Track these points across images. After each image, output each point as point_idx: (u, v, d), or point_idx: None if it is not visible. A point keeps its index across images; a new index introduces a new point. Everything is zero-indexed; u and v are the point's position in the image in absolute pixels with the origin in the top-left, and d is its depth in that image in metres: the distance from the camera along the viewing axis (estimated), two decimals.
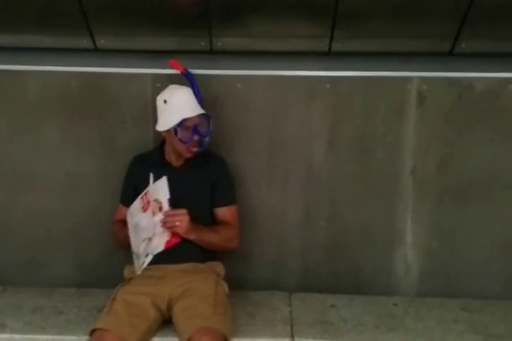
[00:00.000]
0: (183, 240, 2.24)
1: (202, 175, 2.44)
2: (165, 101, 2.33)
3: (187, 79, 2.49)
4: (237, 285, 2.74)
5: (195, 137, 2.31)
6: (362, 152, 2.66)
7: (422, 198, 2.68)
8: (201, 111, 2.35)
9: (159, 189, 2.20)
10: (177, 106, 2.31)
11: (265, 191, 2.73)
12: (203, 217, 2.41)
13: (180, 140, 2.31)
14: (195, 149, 2.35)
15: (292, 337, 2.21)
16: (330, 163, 2.68)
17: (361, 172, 2.68)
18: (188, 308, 2.15)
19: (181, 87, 2.38)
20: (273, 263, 2.79)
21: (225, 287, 2.29)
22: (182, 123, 2.28)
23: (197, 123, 2.31)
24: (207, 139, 2.38)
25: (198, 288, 2.21)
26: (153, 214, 2.20)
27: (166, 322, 2.24)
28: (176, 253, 2.25)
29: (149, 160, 2.48)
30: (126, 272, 2.40)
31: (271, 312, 2.42)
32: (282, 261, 2.79)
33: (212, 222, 2.45)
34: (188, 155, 2.38)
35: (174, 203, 2.24)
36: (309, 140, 2.67)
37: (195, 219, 2.30)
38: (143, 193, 2.26)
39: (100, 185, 2.72)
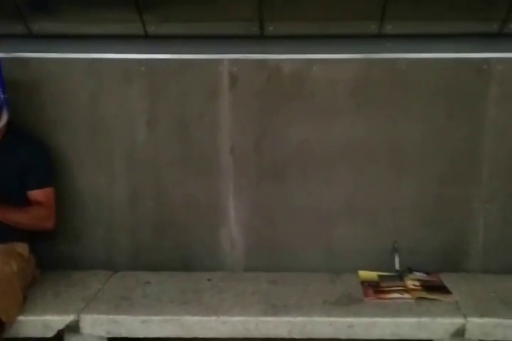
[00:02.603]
0: None
1: (12, 158, 2.47)
2: None
3: None
4: (71, 265, 2.82)
5: None
6: (181, 132, 2.73)
7: (242, 177, 2.77)
8: None
9: None
10: None
11: (90, 172, 2.79)
12: (14, 200, 2.45)
13: None
14: None
15: (79, 313, 2.26)
16: (151, 144, 2.75)
17: (183, 152, 2.75)
18: None
19: None
20: (104, 243, 2.86)
21: (13, 267, 2.31)
22: None
23: None
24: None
25: None
26: None
27: None
28: None
29: None
30: None
31: (79, 291, 2.47)
32: (112, 240, 2.86)
33: (28, 205, 2.49)
34: None
35: None
36: (130, 121, 2.73)
37: (3, 202, 2.34)
38: None
39: None
